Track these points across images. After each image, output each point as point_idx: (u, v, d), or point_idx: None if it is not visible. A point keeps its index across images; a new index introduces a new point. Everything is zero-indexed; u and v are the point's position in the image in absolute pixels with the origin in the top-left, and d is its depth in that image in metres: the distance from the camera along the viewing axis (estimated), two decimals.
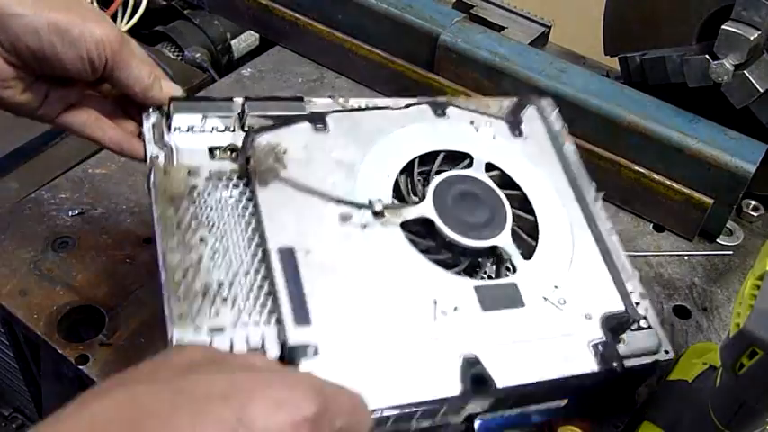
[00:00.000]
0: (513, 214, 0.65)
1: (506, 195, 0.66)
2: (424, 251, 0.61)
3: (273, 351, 0.52)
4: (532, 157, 0.70)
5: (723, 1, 0.80)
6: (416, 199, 0.63)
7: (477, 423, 0.56)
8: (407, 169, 0.65)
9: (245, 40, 1.20)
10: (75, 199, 0.81)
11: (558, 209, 0.67)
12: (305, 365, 0.51)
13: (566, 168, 0.71)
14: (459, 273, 0.61)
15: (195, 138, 0.61)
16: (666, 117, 0.82)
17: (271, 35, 1.07)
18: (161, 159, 0.59)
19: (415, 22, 0.93)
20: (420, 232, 0.62)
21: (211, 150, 0.61)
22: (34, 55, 0.55)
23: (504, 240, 0.63)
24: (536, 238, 0.65)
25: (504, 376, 0.55)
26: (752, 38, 0.75)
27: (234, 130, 0.62)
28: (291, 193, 0.59)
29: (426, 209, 0.62)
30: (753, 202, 0.89)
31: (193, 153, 0.60)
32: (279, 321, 0.53)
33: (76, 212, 0.79)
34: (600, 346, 0.59)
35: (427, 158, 0.67)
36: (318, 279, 0.55)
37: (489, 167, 0.68)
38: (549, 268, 0.63)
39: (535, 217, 0.66)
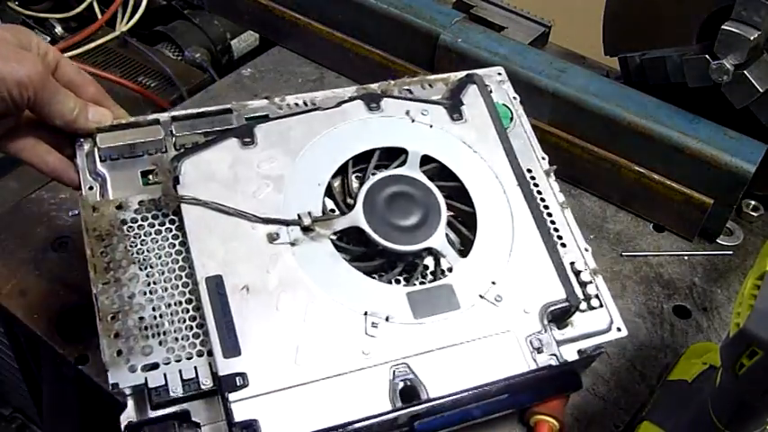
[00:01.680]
0: (451, 207, 0.64)
1: (443, 188, 0.65)
2: (359, 260, 0.61)
3: (208, 383, 0.53)
4: (472, 142, 0.67)
5: (723, 1, 0.80)
6: (351, 202, 0.63)
7: (416, 425, 0.56)
8: (342, 172, 0.64)
9: (245, 40, 1.20)
10: (75, 199, 0.81)
11: (498, 196, 0.65)
12: (235, 395, 0.52)
13: (508, 149, 0.68)
14: (391, 280, 0.61)
15: (127, 164, 0.61)
16: (666, 117, 0.82)
17: (271, 35, 1.07)
18: (95, 190, 0.59)
19: (415, 22, 0.93)
20: (352, 241, 0.62)
21: (145, 174, 0.61)
22: None
23: (437, 241, 0.61)
24: (474, 230, 0.63)
25: (436, 386, 0.55)
26: (752, 38, 0.75)
27: (165, 151, 0.61)
28: (217, 218, 0.59)
29: (356, 217, 0.61)
30: (753, 202, 0.89)
31: (127, 180, 0.60)
32: (210, 353, 0.54)
33: (76, 212, 0.79)
34: (536, 341, 0.58)
35: (362, 157, 0.65)
36: (248, 305, 0.56)
37: (425, 160, 0.66)
38: (487, 264, 0.61)
39: (474, 208, 0.64)
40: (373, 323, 0.57)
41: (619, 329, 0.62)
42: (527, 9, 1.08)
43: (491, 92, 0.71)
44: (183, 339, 0.55)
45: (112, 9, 1.14)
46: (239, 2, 1.06)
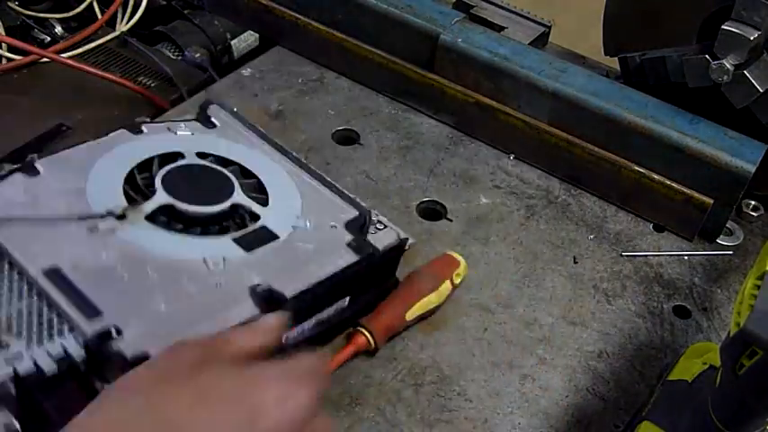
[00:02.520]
0: (238, 182, 0.71)
1: (223, 168, 0.72)
2: (179, 232, 0.65)
3: (79, 353, 0.54)
4: (231, 137, 0.77)
5: (723, 1, 0.80)
6: (149, 195, 0.67)
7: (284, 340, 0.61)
8: (130, 181, 0.68)
9: (245, 40, 1.20)
10: None
11: (272, 165, 0.75)
12: (115, 345, 0.53)
13: (262, 136, 0.78)
14: (212, 236, 0.66)
15: None
16: (666, 117, 0.82)
17: (271, 35, 1.07)
18: None
19: (415, 22, 0.93)
20: (165, 221, 0.66)
21: None
22: None
23: (239, 197, 0.69)
24: (265, 192, 0.72)
25: (287, 287, 0.62)
26: (752, 38, 0.75)
27: None
28: (32, 229, 0.61)
29: (162, 197, 0.66)
30: (753, 202, 0.89)
31: None
32: (72, 329, 0.55)
33: None
34: (353, 243, 0.68)
35: (144, 166, 0.70)
36: (94, 281, 0.57)
37: (201, 156, 0.73)
38: (286, 207, 0.71)
39: (257, 178, 0.73)
40: (214, 263, 0.62)
41: (406, 238, 0.75)
42: (527, 9, 1.08)
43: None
44: (40, 326, 0.55)
45: (112, 9, 1.14)
46: (239, 2, 1.06)
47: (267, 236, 0.67)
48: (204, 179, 0.70)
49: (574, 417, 0.67)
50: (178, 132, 0.75)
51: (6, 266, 0.58)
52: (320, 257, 0.66)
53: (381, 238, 0.70)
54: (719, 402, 0.54)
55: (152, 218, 0.64)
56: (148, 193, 0.67)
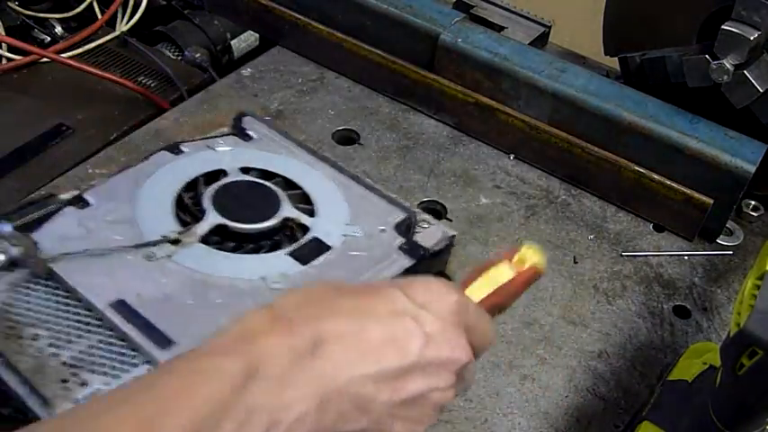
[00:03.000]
0: (284, 194, 0.72)
1: (268, 181, 0.73)
2: (232, 251, 0.66)
3: None
4: (270, 148, 0.78)
5: (723, 1, 0.80)
6: (200, 216, 0.68)
7: None
8: (178, 203, 0.69)
9: (245, 40, 1.20)
10: None
11: (314, 173, 0.76)
12: None
13: (299, 144, 0.79)
14: (266, 252, 0.67)
15: None
16: (666, 117, 0.82)
17: (271, 35, 1.07)
18: None
19: (415, 22, 0.93)
20: (219, 241, 0.67)
21: None
22: None
23: (287, 211, 0.69)
24: (311, 202, 0.72)
25: None
26: (752, 38, 0.75)
27: (3, 249, 0.62)
28: (91, 262, 0.61)
29: (213, 218, 0.67)
30: (753, 202, 0.89)
31: None
32: (149, 362, 0.56)
33: None
34: (405, 246, 0.69)
35: (190, 187, 0.71)
36: (160, 310, 0.58)
37: (244, 171, 0.74)
38: (334, 214, 0.72)
39: (301, 189, 0.74)
40: (274, 280, 0.63)
41: (452, 235, 0.73)
42: (527, 9, 1.08)
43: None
44: (113, 361, 0.56)
45: (112, 9, 1.14)
46: (239, 2, 1.06)
47: (320, 247, 0.67)
48: (251, 195, 0.71)
49: (574, 417, 0.67)
50: (218, 149, 0.76)
51: (73, 302, 0.59)
52: (375, 264, 0.66)
53: (428, 237, 0.71)
54: (719, 402, 0.54)
55: (205, 239, 0.66)
56: (198, 213, 0.68)
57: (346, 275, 0.65)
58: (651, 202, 0.85)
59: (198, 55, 1.12)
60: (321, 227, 0.69)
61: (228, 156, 0.75)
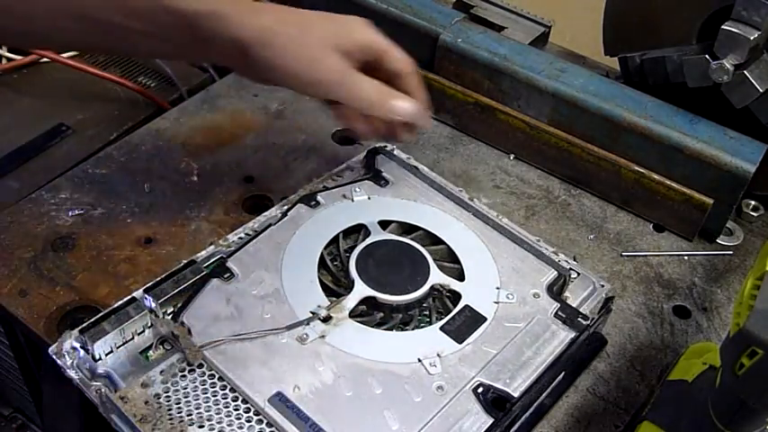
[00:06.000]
0: (428, 251, 0.69)
1: (412, 238, 0.70)
2: (380, 324, 0.64)
3: None
4: (408, 195, 0.75)
5: (723, 1, 0.80)
6: (345, 281, 0.66)
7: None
8: (321, 266, 0.67)
9: None
10: (76, 199, 0.81)
11: (456, 224, 0.73)
12: None
13: (437, 187, 0.76)
14: (416, 327, 0.64)
15: (122, 352, 0.60)
16: (666, 117, 0.82)
17: None
18: (104, 390, 0.57)
19: (415, 22, 0.93)
20: (367, 312, 0.65)
21: (144, 352, 0.60)
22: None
23: (436, 276, 0.66)
24: (458, 260, 0.69)
25: (512, 385, 0.59)
26: (752, 38, 0.75)
27: (151, 325, 0.61)
28: (244, 348, 0.59)
29: (362, 289, 0.64)
30: (753, 202, 0.89)
31: (129, 366, 0.59)
32: None
33: (76, 212, 0.80)
34: (561, 313, 0.65)
35: (330, 247, 0.69)
36: (319, 403, 0.56)
37: (383, 224, 0.71)
38: (483, 277, 0.68)
39: (446, 244, 0.70)
40: (431, 363, 0.60)
41: (602, 285, 0.70)
42: (527, 9, 1.08)
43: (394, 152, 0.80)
44: None
45: None
46: None
47: (474, 318, 0.64)
48: (397, 258, 0.68)
49: (574, 417, 0.67)
50: (355, 199, 0.73)
51: (230, 393, 0.57)
52: (534, 339, 0.63)
53: (577, 291, 0.68)
54: (719, 402, 0.54)
55: (353, 310, 0.64)
56: (343, 279, 0.66)
57: (504, 354, 0.61)
58: (651, 202, 0.85)
59: None
60: (472, 292, 0.66)
61: (366, 207, 0.73)
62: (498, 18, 1.04)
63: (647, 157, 0.83)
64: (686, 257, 0.83)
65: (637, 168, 0.84)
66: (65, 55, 1.05)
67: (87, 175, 0.84)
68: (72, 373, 0.58)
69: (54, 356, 0.58)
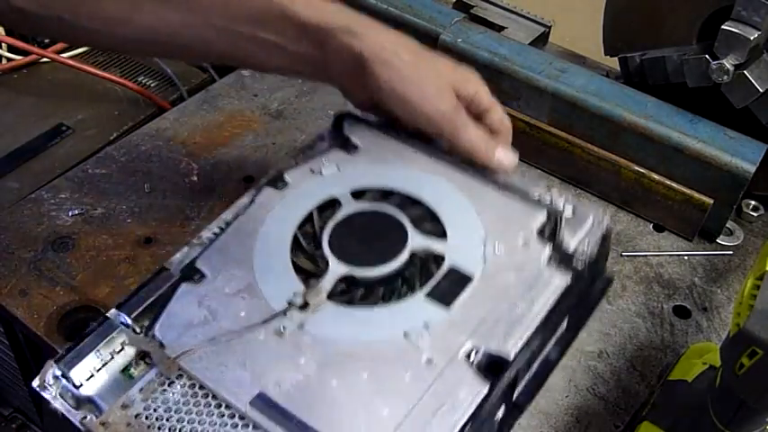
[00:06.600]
0: (405, 214, 0.64)
1: (387, 204, 0.66)
2: (363, 300, 0.60)
3: None
4: (379, 157, 0.70)
5: (723, 1, 0.80)
6: (322, 263, 0.62)
7: (515, 395, 0.57)
8: (297, 249, 0.63)
9: None
10: (76, 199, 0.81)
11: (433, 180, 0.67)
12: None
13: (409, 143, 0.70)
14: (405, 295, 0.60)
15: (103, 374, 0.57)
16: (666, 117, 0.82)
17: None
18: (90, 417, 0.55)
19: (415, 22, 0.93)
20: (346, 289, 0.61)
21: (125, 370, 0.57)
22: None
23: (416, 240, 0.62)
24: (437, 219, 0.64)
25: (507, 345, 0.55)
26: (752, 38, 0.75)
27: (129, 342, 0.58)
28: (220, 351, 0.56)
29: (337, 268, 0.61)
30: (753, 202, 0.89)
31: (110, 386, 0.56)
32: None
33: (76, 212, 0.80)
34: (555, 257, 0.60)
35: (304, 224, 0.65)
36: (304, 399, 0.54)
37: (357, 194, 0.67)
38: (467, 233, 0.63)
39: (423, 204, 0.65)
40: (418, 336, 0.56)
41: (601, 218, 0.64)
42: (527, 9, 1.08)
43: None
44: None
45: None
46: None
47: (460, 280, 0.59)
48: (372, 227, 0.64)
49: (574, 417, 0.67)
50: (324, 172, 0.69)
51: (212, 400, 0.54)
52: (527, 291, 0.58)
53: (573, 229, 0.62)
54: (719, 402, 0.54)
55: (331, 291, 0.60)
56: (318, 262, 0.62)
57: (495, 313, 0.57)
58: (651, 202, 0.85)
59: None
60: (456, 253, 0.61)
61: (336, 180, 0.68)
62: (498, 18, 1.04)
63: (647, 157, 0.83)
64: (686, 257, 0.83)
65: (637, 168, 0.84)
66: (65, 55, 1.06)
67: (87, 175, 0.84)
68: (57, 405, 0.56)
69: (38, 390, 0.56)
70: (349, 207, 0.66)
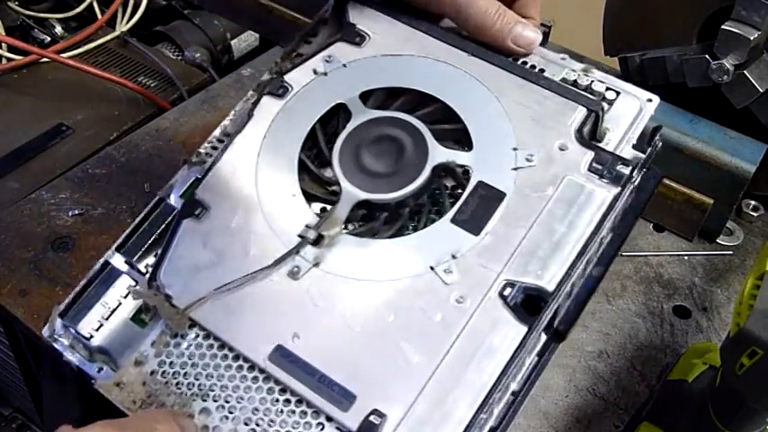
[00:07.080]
0: (428, 119, 0.56)
1: (400, 107, 0.57)
2: (385, 227, 0.53)
3: None
4: (391, 48, 0.59)
5: (723, 1, 0.80)
6: (335, 187, 0.54)
7: (557, 325, 0.50)
8: (303, 171, 0.56)
9: (245, 40, 1.20)
10: (76, 199, 0.81)
11: (455, 74, 0.57)
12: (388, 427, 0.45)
13: (424, 29, 0.59)
14: (427, 222, 0.53)
15: (113, 322, 0.53)
16: (666, 117, 0.82)
17: (271, 35, 1.07)
18: (106, 370, 0.52)
19: None
20: (366, 217, 0.54)
21: (136, 316, 0.53)
22: None
23: (437, 152, 0.53)
24: (459, 120, 0.55)
25: (546, 276, 0.48)
26: (752, 38, 0.75)
27: (135, 294, 0.53)
28: (233, 298, 0.51)
29: (352, 193, 0.53)
30: (753, 202, 0.89)
31: (125, 336, 0.53)
32: (329, 419, 0.47)
33: (76, 212, 0.80)
34: (596, 164, 0.51)
35: (310, 140, 0.57)
36: (324, 349, 0.48)
37: (364, 96, 0.57)
38: (496, 138, 0.53)
39: (444, 103, 0.56)
40: (445, 270, 0.49)
41: (650, 100, 0.54)
42: None
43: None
44: (295, 425, 0.47)
45: (112, 9, 1.14)
46: (239, 2, 1.05)
47: (491, 197, 0.51)
48: (386, 139, 0.55)
49: (574, 417, 0.67)
50: (328, 72, 0.59)
51: (228, 352, 0.50)
52: (567, 207, 0.50)
53: (617, 119, 0.53)
54: (719, 402, 0.54)
55: (347, 219, 0.53)
56: (329, 183, 0.55)
57: (531, 238, 0.48)
58: (651, 202, 0.85)
59: (198, 55, 1.12)
60: (483, 164, 0.52)
61: (343, 79, 0.58)
62: None
63: None
64: (686, 257, 0.83)
65: None
66: (65, 55, 1.06)
67: (87, 175, 0.84)
68: (70, 357, 0.53)
69: (48, 340, 0.53)
70: (359, 115, 0.56)
